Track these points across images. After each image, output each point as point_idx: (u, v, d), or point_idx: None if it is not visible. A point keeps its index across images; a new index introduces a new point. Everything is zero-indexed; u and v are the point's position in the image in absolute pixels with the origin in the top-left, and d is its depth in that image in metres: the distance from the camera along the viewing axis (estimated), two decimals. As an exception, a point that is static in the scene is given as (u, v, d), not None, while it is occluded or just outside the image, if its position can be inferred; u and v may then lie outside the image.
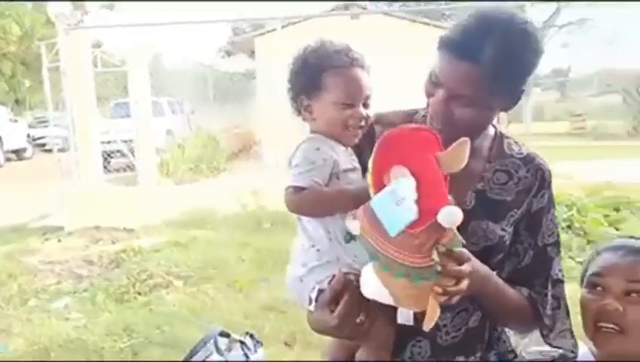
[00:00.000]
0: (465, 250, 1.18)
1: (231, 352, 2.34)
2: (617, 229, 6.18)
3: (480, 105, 1.28)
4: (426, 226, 1.06)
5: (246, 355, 2.35)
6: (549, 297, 1.42)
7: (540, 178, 1.42)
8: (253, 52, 16.14)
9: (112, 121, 12.34)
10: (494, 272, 1.41)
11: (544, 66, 19.61)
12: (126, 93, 11.08)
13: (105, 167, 10.24)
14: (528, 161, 1.43)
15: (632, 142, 16.07)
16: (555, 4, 11.84)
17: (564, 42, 19.11)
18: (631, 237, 1.65)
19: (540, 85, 19.88)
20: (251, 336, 2.22)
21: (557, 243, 1.44)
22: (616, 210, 6.83)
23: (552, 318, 1.42)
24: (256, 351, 2.44)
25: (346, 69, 1.39)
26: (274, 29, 14.39)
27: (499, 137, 1.46)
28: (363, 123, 1.40)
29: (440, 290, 1.10)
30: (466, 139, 1.10)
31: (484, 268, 1.33)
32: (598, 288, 1.46)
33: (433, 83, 1.31)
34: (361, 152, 1.45)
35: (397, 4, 22.90)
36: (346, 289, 1.23)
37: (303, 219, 1.38)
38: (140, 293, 5.35)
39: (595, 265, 1.51)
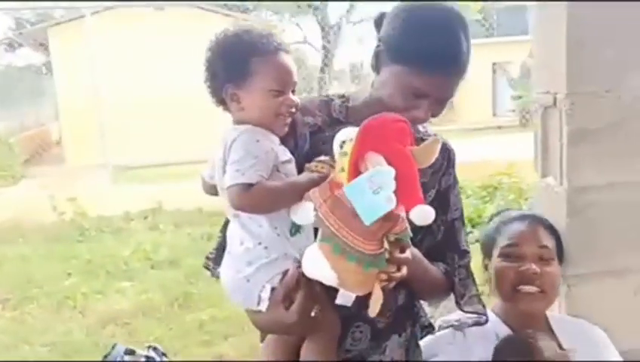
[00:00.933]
0: None
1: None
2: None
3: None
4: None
5: (156, 368, 2.16)
6: (459, 267, 1.49)
7: (447, 157, 1.47)
8: (41, 44, 14.66)
9: None
10: None
11: (341, 61, 20.77)
12: None
13: None
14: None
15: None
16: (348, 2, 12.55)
17: (359, 37, 20.44)
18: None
19: (337, 79, 21.05)
20: (154, 349, 2.04)
21: (461, 217, 1.52)
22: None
23: (463, 287, 1.50)
24: (163, 363, 2.26)
25: (274, 54, 1.31)
26: (70, 20, 13.39)
27: None
28: (293, 110, 1.34)
29: (385, 277, 1.14)
30: (438, 137, 1.17)
31: (415, 252, 1.36)
32: (514, 256, 1.60)
33: (411, 97, 1.30)
34: (285, 142, 1.38)
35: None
36: (299, 285, 1.21)
37: (242, 217, 1.29)
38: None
39: (507, 236, 1.64)
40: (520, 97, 14.68)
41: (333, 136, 1.41)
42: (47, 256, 6.04)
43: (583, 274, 1.76)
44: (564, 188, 1.75)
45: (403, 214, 1.08)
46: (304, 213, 1.19)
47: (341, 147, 1.16)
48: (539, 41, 1.79)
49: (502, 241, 1.64)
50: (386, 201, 1.03)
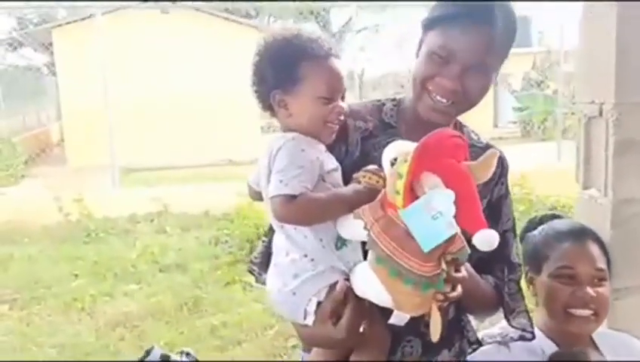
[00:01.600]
0: None
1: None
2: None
3: (489, 73, 1.28)
4: None
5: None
6: (509, 281, 1.45)
7: (500, 166, 1.42)
8: (44, 45, 14.62)
9: None
10: None
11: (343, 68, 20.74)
12: None
13: None
14: (488, 149, 1.43)
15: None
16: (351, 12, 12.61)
17: (361, 46, 20.50)
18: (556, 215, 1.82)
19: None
20: (187, 354, 2.00)
21: (513, 228, 1.47)
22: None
23: (513, 301, 1.46)
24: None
25: (324, 59, 1.28)
26: (75, 21, 13.36)
27: (459, 126, 1.45)
28: (342, 118, 1.31)
29: (442, 297, 1.10)
30: (495, 151, 1.08)
31: (468, 267, 1.32)
32: (568, 277, 1.56)
33: (438, 62, 1.27)
34: (334, 147, 1.36)
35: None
36: (348, 299, 1.18)
37: (287, 228, 1.26)
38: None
39: (560, 255, 1.59)
40: (522, 109, 14.70)
41: (384, 142, 1.36)
42: (53, 256, 5.99)
43: (627, 287, 1.74)
44: (608, 200, 1.74)
45: (459, 230, 1.03)
46: (353, 229, 1.15)
47: (392, 164, 1.11)
48: (585, 51, 1.78)
49: (555, 260, 1.59)
50: (446, 227, 0.99)
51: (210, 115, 12.61)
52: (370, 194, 1.17)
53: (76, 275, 5.48)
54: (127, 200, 7.52)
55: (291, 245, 1.25)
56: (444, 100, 1.29)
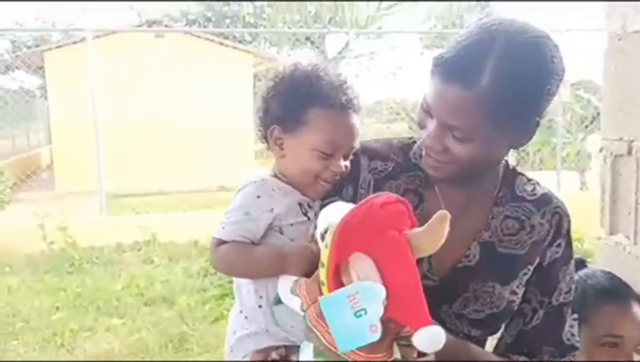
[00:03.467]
0: None
1: None
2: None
3: (481, 140, 1.05)
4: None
5: None
6: None
7: (555, 225, 1.22)
8: (36, 68, 14.51)
9: None
10: (496, 334, 1.26)
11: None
12: None
13: None
14: (543, 203, 1.23)
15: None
16: (347, 37, 12.57)
17: (357, 72, 20.54)
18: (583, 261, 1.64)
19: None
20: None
21: (572, 303, 1.25)
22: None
23: None
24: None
25: (336, 111, 1.14)
26: (66, 44, 13.26)
27: (509, 175, 1.25)
28: (338, 177, 1.17)
29: None
30: (445, 213, 0.88)
31: (450, 341, 1.12)
32: (613, 345, 1.41)
33: (425, 112, 1.09)
34: (342, 188, 1.23)
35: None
36: None
37: (238, 279, 1.18)
38: None
39: (604, 320, 1.43)
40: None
41: (405, 186, 1.22)
42: (34, 287, 5.73)
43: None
44: (638, 248, 1.56)
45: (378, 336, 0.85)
46: (290, 301, 1.00)
47: (322, 238, 0.92)
48: (612, 81, 1.61)
49: (596, 325, 1.42)
50: (369, 330, 0.81)
51: (203, 140, 12.47)
52: (308, 258, 1.02)
53: (57, 308, 5.23)
54: (114, 227, 7.28)
55: (237, 298, 1.18)
56: (429, 157, 1.12)
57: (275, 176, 1.20)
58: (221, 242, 1.12)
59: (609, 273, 1.56)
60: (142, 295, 5.46)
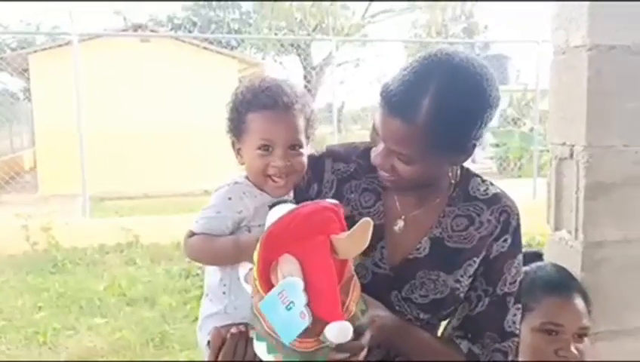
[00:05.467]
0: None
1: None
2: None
3: (423, 162, 1.21)
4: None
5: None
6: (495, 351, 1.34)
7: (503, 221, 1.33)
8: (20, 70, 14.48)
9: None
10: (442, 320, 1.39)
11: (320, 101, 20.98)
12: None
13: None
14: (493, 202, 1.35)
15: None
16: (333, 43, 12.76)
17: (341, 79, 20.75)
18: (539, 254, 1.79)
19: (317, 119, 21.26)
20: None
21: (516, 294, 1.36)
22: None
23: None
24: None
25: (268, 110, 1.28)
26: (51, 47, 13.26)
27: (465, 178, 1.39)
28: (287, 172, 1.29)
29: None
30: (369, 220, 1.03)
31: (394, 321, 1.28)
32: (553, 332, 1.53)
33: (376, 134, 1.24)
34: (309, 186, 1.38)
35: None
36: (223, 347, 1.22)
37: (207, 267, 1.35)
38: None
39: (547, 310, 1.55)
40: (498, 146, 14.88)
41: (364, 185, 1.38)
42: (17, 287, 5.78)
43: (597, 332, 1.70)
44: (579, 243, 1.71)
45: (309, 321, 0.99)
46: (245, 287, 1.16)
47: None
48: (557, 92, 1.77)
49: (540, 313, 1.55)
50: (300, 318, 0.95)
51: (187, 144, 12.53)
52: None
53: (40, 307, 5.29)
54: (98, 229, 7.34)
55: (205, 284, 1.35)
56: (382, 173, 1.27)
57: (247, 178, 1.34)
58: (192, 234, 1.29)
59: (559, 266, 1.70)
60: (124, 295, 5.55)
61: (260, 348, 1.06)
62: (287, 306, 0.95)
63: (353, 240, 1.02)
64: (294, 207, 1.08)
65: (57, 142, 11.53)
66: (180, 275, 6.03)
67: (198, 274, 5.78)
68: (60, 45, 11.89)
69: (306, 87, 17.99)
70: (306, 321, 0.95)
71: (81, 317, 5.05)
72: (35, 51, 13.56)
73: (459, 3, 22.79)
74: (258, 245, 1.03)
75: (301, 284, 0.96)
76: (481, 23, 24.64)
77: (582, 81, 1.65)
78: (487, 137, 15.57)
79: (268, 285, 1.01)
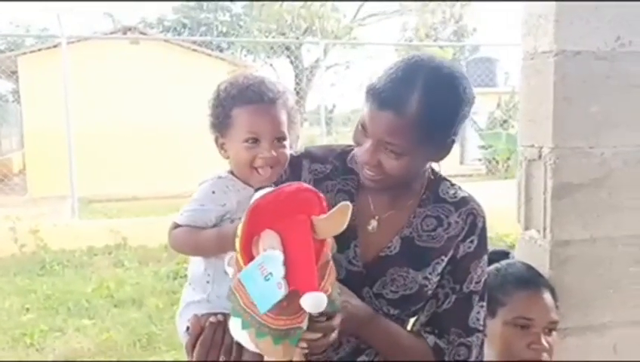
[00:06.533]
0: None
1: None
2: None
3: (407, 156, 1.27)
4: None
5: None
6: (459, 346, 1.40)
7: (469, 223, 1.40)
8: (9, 72, 14.45)
9: None
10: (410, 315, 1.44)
11: (311, 102, 21.05)
12: None
13: None
14: (461, 205, 1.42)
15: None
16: (322, 45, 12.84)
17: (332, 82, 20.85)
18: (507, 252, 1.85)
19: (307, 120, 21.38)
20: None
21: (481, 292, 1.43)
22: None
23: None
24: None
25: (254, 104, 1.33)
26: (40, 49, 13.24)
27: (435, 181, 1.45)
28: (272, 163, 1.35)
29: (305, 345, 1.13)
30: (348, 204, 1.09)
31: (365, 311, 1.34)
32: (524, 326, 1.59)
33: (362, 132, 1.30)
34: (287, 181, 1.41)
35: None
36: (201, 334, 1.26)
37: (191, 258, 1.39)
38: None
39: (518, 304, 1.61)
40: (486, 148, 14.98)
41: (340, 185, 1.44)
42: (5, 289, 5.80)
43: (565, 328, 1.75)
44: (547, 241, 1.76)
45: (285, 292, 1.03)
46: (228, 272, 1.20)
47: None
48: (526, 95, 1.83)
49: (511, 308, 1.61)
50: (277, 288, 1.00)
51: (176, 146, 12.53)
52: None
53: (27, 309, 5.32)
54: (86, 231, 7.36)
55: (189, 273, 1.40)
56: (366, 171, 1.32)
57: (231, 172, 1.39)
58: (177, 225, 1.33)
59: (527, 264, 1.76)
60: (112, 297, 5.57)
61: (234, 325, 1.11)
62: (265, 277, 1.00)
63: (332, 221, 1.08)
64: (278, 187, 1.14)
65: (46, 144, 11.52)
66: (168, 277, 6.06)
67: (186, 275, 5.80)
68: (48, 47, 11.89)
69: (295, 89, 18.13)
70: (282, 291, 0.99)
71: (69, 319, 5.08)
72: (24, 53, 13.55)
73: (448, 6, 22.92)
74: (243, 218, 1.08)
75: (281, 257, 1.01)
76: (470, 25, 24.81)
77: (549, 86, 1.70)
78: (476, 139, 15.71)
79: (249, 257, 1.06)
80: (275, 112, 1.34)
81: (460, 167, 17.52)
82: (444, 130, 1.28)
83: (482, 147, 15.17)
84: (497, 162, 14.75)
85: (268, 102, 1.33)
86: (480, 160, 16.02)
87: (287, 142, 1.37)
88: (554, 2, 1.68)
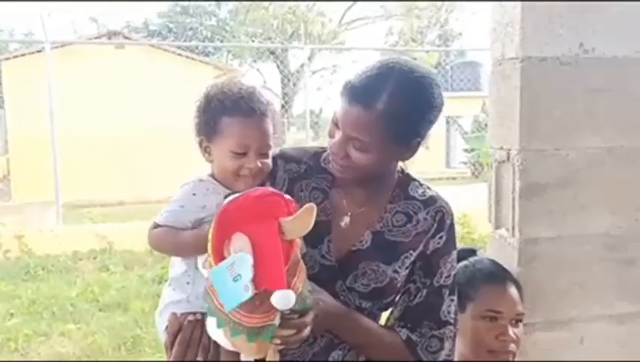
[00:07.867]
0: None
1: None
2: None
3: (375, 152, 1.33)
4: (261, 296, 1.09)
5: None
6: (432, 338, 1.46)
7: (438, 220, 1.47)
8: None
9: None
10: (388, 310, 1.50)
11: (298, 107, 21.10)
12: None
13: None
14: (429, 203, 1.49)
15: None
16: (306, 50, 12.94)
17: (318, 86, 20.92)
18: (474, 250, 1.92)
19: (294, 125, 21.45)
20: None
21: (451, 286, 1.49)
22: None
23: (431, 358, 1.46)
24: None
25: (244, 117, 1.37)
26: (24, 54, 13.19)
27: (404, 179, 1.52)
28: (256, 173, 1.40)
29: (279, 341, 1.17)
30: (312, 205, 1.16)
31: (337, 308, 1.39)
32: (493, 319, 1.66)
33: (334, 124, 1.37)
34: (263, 184, 1.46)
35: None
36: (179, 333, 1.29)
37: (171, 258, 1.42)
38: None
39: (486, 298, 1.68)
40: (472, 150, 15.12)
41: (314, 184, 1.50)
42: (-11, 295, 5.79)
43: (533, 323, 1.82)
44: (516, 240, 1.84)
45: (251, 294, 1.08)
46: (204, 273, 1.24)
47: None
48: (494, 99, 1.90)
49: (480, 302, 1.68)
50: (243, 289, 1.06)
51: (162, 151, 12.51)
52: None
53: (12, 314, 5.31)
54: (71, 236, 7.34)
55: (170, 273, 1.42)
56: (334, 162, 1.38)
57: (212, 176, 1.43)
58: (156, 225, 1.36)
59: (493, 260, 1.84)
60: (97, 301, 5.58)
61: (210, 324, 1.16)
62: (234, 277, 1.06)
63: (299, 222, 1.14)
64: (245, 192, 1.20)
65: (31, 149, 11.47)
66: (154, 281, 6.07)
67: (171, 280, 5.83)
68: (32, 52, 11.84)
69: (282, 93, 18.16)
70: (248, 293, 1.04)
71: (54, 324, 5.07)
72: (8, 58, 13.48)
73: (433, 10, 23.11)
74: (213, 222, 1.14)
75: (250, 260, 1.07)
76: (456, 29, 25.03)
77: (516, 90, 1.78)
78: (461, 143, 15.86)
79: (220, 260, 1.12)
80: (265, 126, 1.39)
81: (446, 169, 17.68)
82: (409, 131, 1.35)
83: (467, 150, 15.31)
84: (481, 165, 14.88)
85: (259, 115, 1.38)
86: (465, 163, 16.15)
87: (271, 152, 1.42)
88: (519, 10, 1.76)
